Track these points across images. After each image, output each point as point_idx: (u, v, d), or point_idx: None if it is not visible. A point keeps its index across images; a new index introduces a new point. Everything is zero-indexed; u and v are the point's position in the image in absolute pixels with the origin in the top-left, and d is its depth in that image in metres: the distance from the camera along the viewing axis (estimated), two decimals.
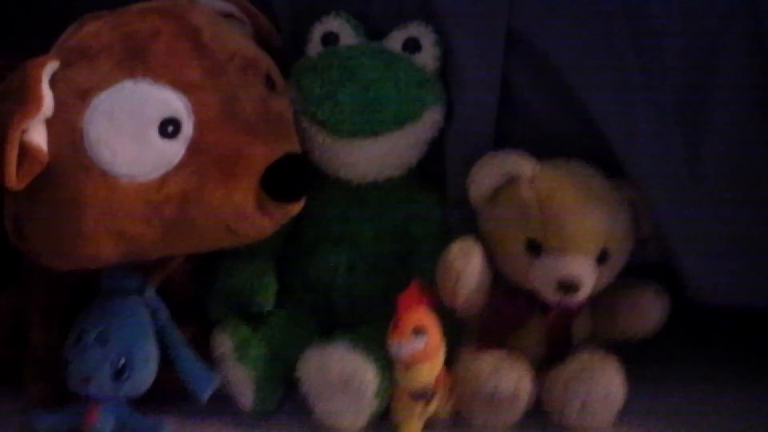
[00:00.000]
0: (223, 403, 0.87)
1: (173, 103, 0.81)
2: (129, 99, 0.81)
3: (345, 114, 0.87)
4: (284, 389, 0.89)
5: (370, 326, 0.87)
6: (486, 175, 0.88)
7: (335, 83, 0.88)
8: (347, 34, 0.93)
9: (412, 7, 0.92)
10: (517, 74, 0.89)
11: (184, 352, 0.85)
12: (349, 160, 0.90)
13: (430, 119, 0.91)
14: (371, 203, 0.93)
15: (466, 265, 0.85)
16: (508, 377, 0.84)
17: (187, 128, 0.81)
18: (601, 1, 0.86)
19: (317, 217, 0.92)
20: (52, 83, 0.81)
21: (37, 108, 0.78)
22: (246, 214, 0.81)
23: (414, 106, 0.90)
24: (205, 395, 0.85)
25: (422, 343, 0.80)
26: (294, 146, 0.85)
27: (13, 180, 0.78)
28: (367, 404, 0.84)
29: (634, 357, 0.86)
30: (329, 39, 0.93)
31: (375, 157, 0.90)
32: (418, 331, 0.80)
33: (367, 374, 0.83)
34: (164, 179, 0.80)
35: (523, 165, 0.87)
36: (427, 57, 0.92)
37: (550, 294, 0.85)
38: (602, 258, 0.86)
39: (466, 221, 0.90)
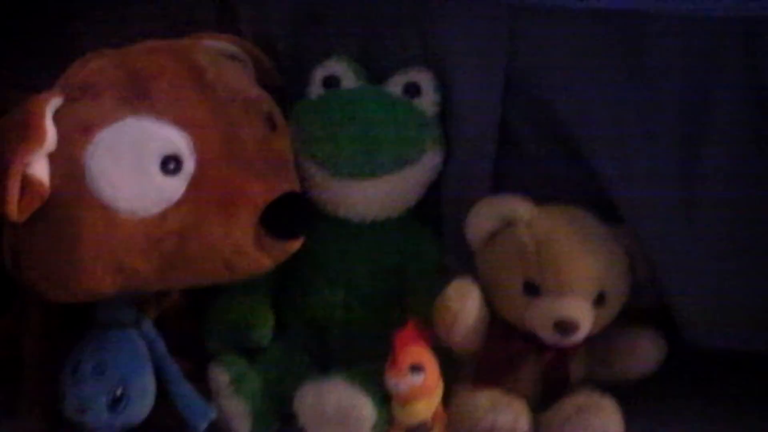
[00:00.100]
0: None
1: (175, 140, 0.82)
2: (132, 135, 0.81)
3: (345, 155, 0.88)
4: (279, 423, 0.88)
5: (367, 364, 0.87)
6: (483, 218, 0.88)
7: (336, 124, 0.89)
8: (348, 78, 0.94)
9: (413, 51, 0.93)
10: (515, 116, 0.90)
11: (181, 385, 0.85)
12: (347, 200, 0.91)
13: (430, 162, 0.92)
14: (368, 241, 0.93)
15: (464, 305, 0.85)
16: (506, 413, 0.83)
17: (189, 165, 0.82)
18: (599, 42, 0.87)
19: (314, 253, 0.91)
20: (56, 118, 0.81)
21: (40, 143, 0.79)
22: (245, 251, 0.82)
23: (414, 149, 0.90)
24: (201, 428, 0.84)
25: (420, 380, 0.80)
26: (293, 185, 0.85)
27: (14, 213, 0.78)
28: None
29: (629, 394, 0.86)
30: (331, 82, 0.94)
31: (374, 198, 0.91)
32: (416, 368, 0.80)
33: (364, 409, 0.82)
34: (164, 215, 0.81)
35: (520, 209, 0.88)
36: (427, 101, 0.93)
37: (547, 335, 0.85)
38: (599, 300, 0.86)
39: (463, 261, 0.90)
